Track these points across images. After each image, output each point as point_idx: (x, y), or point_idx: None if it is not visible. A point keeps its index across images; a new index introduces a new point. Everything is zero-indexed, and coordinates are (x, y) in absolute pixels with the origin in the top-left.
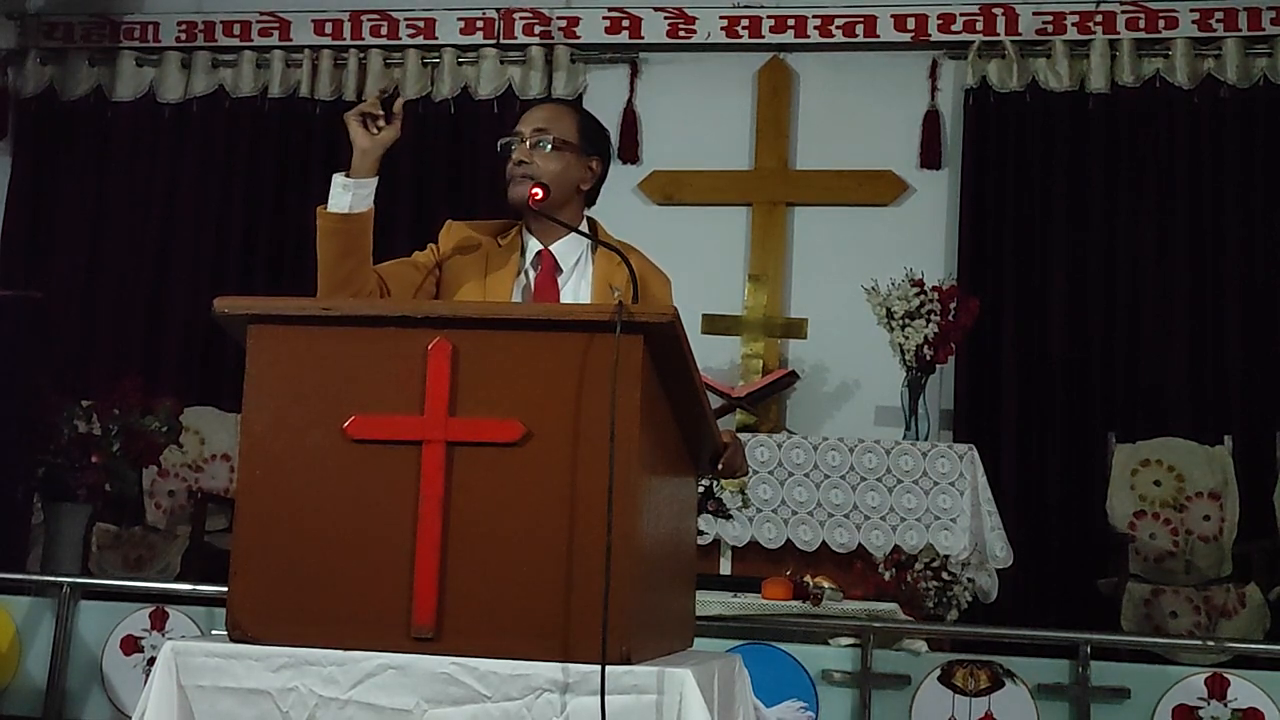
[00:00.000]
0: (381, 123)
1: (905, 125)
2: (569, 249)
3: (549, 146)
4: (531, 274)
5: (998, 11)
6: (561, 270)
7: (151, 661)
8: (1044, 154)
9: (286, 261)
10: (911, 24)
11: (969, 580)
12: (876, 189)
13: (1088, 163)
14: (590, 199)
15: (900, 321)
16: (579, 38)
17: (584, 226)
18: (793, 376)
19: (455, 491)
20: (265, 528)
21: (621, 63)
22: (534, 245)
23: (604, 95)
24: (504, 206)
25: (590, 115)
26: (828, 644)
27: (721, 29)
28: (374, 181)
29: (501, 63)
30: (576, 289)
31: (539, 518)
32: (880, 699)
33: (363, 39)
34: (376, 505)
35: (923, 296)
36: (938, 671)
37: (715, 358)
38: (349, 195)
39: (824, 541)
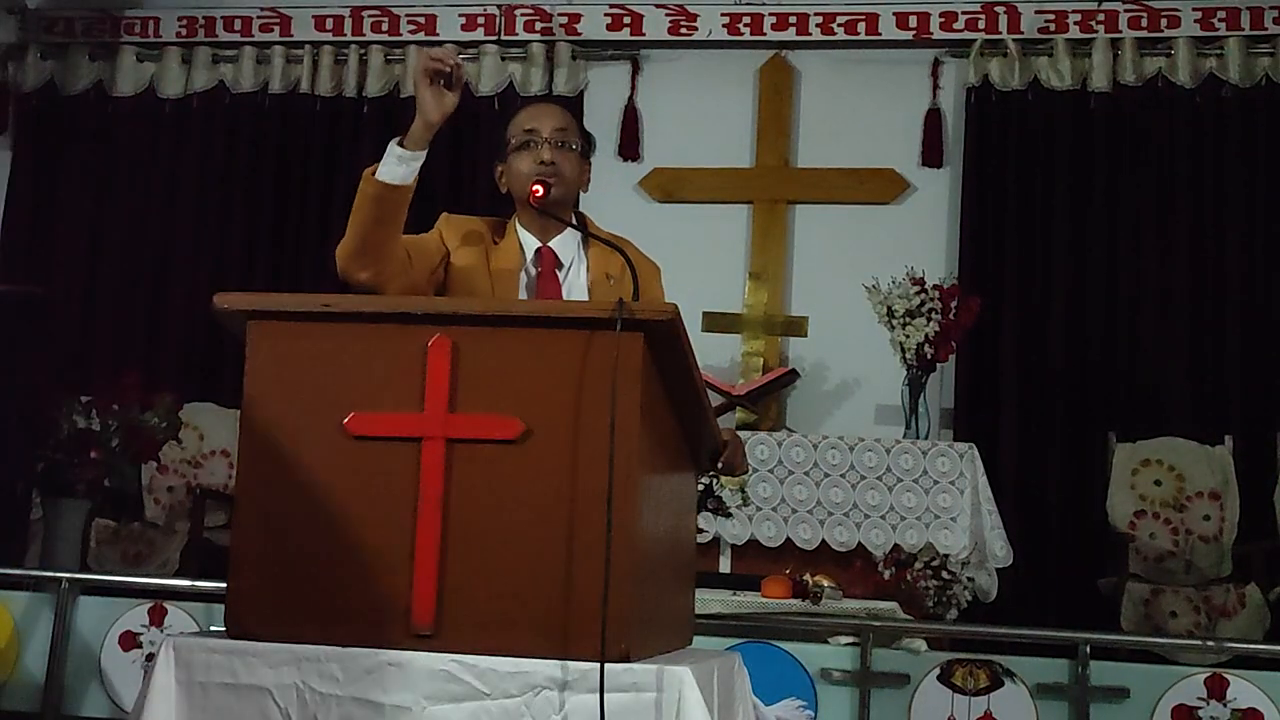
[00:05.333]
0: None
1: (907, 123)
2: (566, 245)
3: (569, 147)
4: (533, 271)
5: (1000, 10)
6: (562, 266)
7: (150, 657)
8: (1045, 153)
9: (287, 258)
10: (913, 22)
11: (968, 579)
12: (878, 187)
13: (1089, 162)
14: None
15: (901, 320)
16: (580, 34)
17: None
18: (793, 374)
19: (455, 489)
20: (265, 524)
21: (623, 60)
22: (532, 243)
23: (605, 92)
24: (504, 204)
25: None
26: (827, 643)
27: (723, 26)
28: (424, 155)
29: (502, 59)
30: (576, 284)
31: (538, 515)
32: (879, 698)
33: (364, 35)
34: (376, 502)
35: (923, 295)
36: (937, 670)
37: (715, 355)
38: (403, 167)
39: (824, 540)
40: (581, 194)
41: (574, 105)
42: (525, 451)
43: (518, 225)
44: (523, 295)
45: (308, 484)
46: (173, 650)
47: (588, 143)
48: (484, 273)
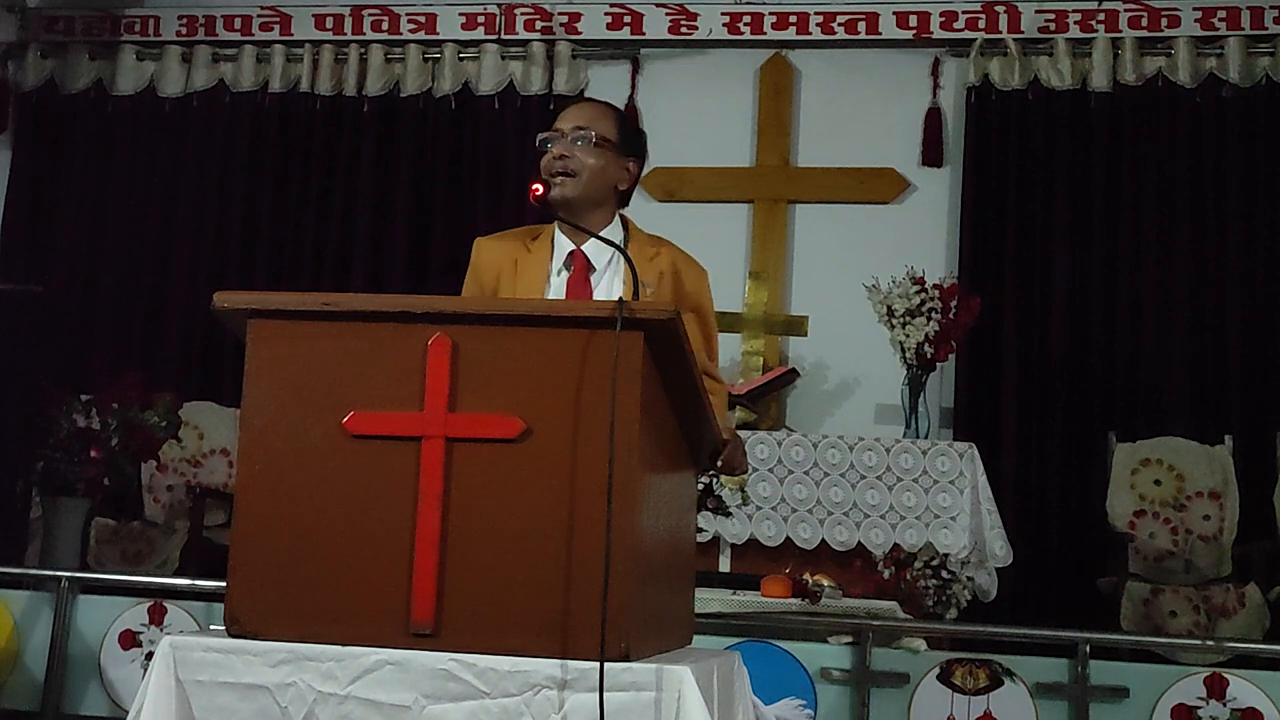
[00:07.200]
0: None
1: (907, 123)
2: (601, 248)
3: (590, 143)
4: (565, 275)
5: (1000, 9)
6: (594, 269)
7: (150, 656)
8: (1046, 152)
9: (287, 256)
10: (914, 21)
11: (968, 579)
12: (878, 186)
13: (1089, 161)
14: (624, 200)
15: (901, 319)
16: (580, 34)
17: (617, 224)
18: (793, 374)
19: (454, 487)
20: (264, 523)
21: (623, 59)
22: (566, 246)
23: (605, 91)
24: (503, 203)
25: (628, 116)
26: (827, 642)
27: (723, 25)
28: None
29: (502, 58)
30: (609, 288)
31: (538, 514)
32: (879, 697)
33: (364, 34)
34: (376, 501)
35: (923, 294)
36: (937, 670)
37: None
38: None
39: (823, 539)
40: (621, 191)
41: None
42: (525, 451)
43: (556, 228)
44: (553, 297)
45: (308, 483)
46: (172, 649)
47: (625, 140)
48: (510, 278)
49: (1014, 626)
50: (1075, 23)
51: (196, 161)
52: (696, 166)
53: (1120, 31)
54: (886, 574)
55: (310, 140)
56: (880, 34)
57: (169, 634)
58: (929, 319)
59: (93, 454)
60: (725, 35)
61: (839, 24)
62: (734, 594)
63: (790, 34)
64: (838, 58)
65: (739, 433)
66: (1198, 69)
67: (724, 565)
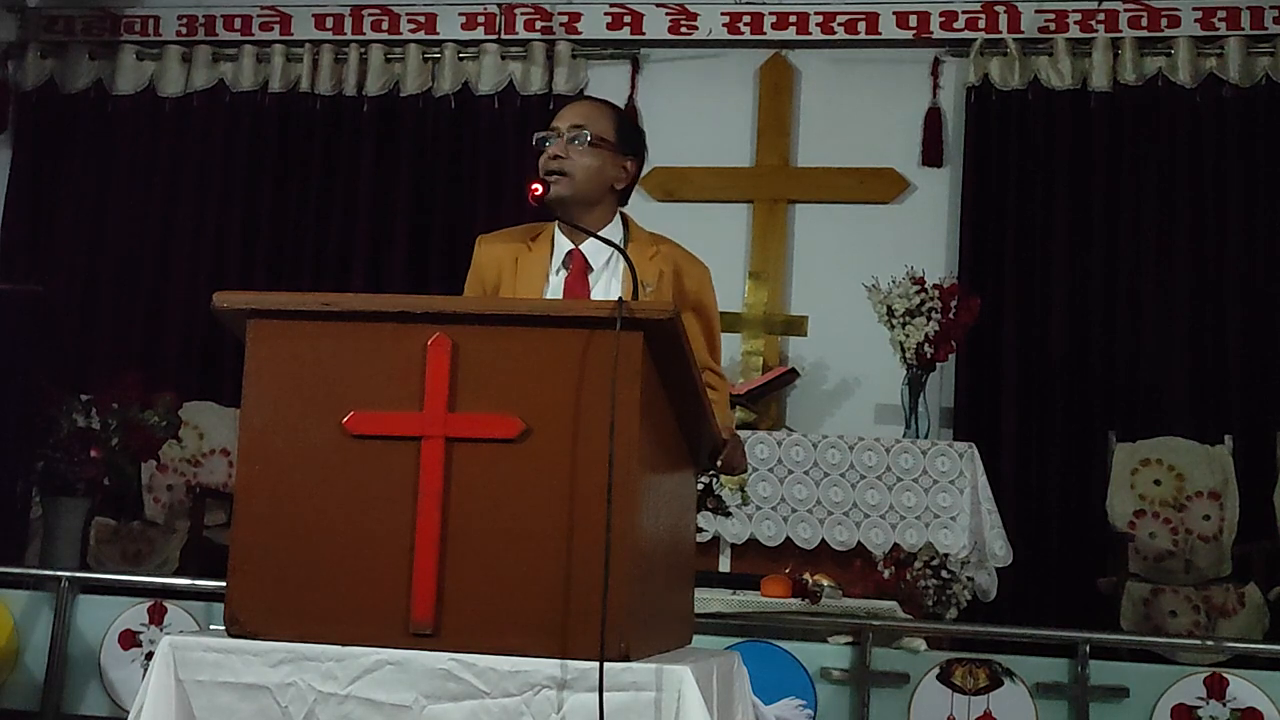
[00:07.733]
0: None
1: (907, 123)
2: (599, 248)
3: (585, 143)
4: (562, 274)
5: (1000, 9)
6: (592, 269)
7: (150, 656)
8: (1046, 152)
9: (287, 256)
10: (913, 21)
11: (968, 579)
12: (878, 186)
13: (1089, 161)
14: (623, 199)
15: (901, 319)
16: (580, 33)
17: (617, 222)
18: (793, 374)
19: (454, 487)
20: (264, 523)
21: (623, 59)
22: (565, 245)
23: (605, 91)
24: (503, 203)
25: (627, 114)
26: (826, 642)
27: (723, 25)
28: None
29: (502, 58)
30: (608, 287)
31: (538, 514)
32: (879, 697)
33: (364, 34)
34: (375, 501)
35: (923, 294)
36: (937, 670)
37: None
38: None
39: (823, 539)
40: (619, 190)
41: None
42: (525, 450)
43: (556, 227)
44: (551, 297)
45: (307, 483)
46: (172, 649)
47: (623, 139)
48: (510, 276)
49: (1014, 626)
50: (1075, 23)
51: (196, 161)
52: (696, 166)
53: (1120, 31)
54: (886, 574)
55: (310, 140)
56: (880, 34)
57: (169, 634)
58: (929, 319)
59: (93, 454)
60: (725, 35)
61: (839, 24)
62: (734, 594)
63: (790, 34)
64: (838, 58)
65: (738, 432)
66: (1198, 69)
67: (724, 565)
